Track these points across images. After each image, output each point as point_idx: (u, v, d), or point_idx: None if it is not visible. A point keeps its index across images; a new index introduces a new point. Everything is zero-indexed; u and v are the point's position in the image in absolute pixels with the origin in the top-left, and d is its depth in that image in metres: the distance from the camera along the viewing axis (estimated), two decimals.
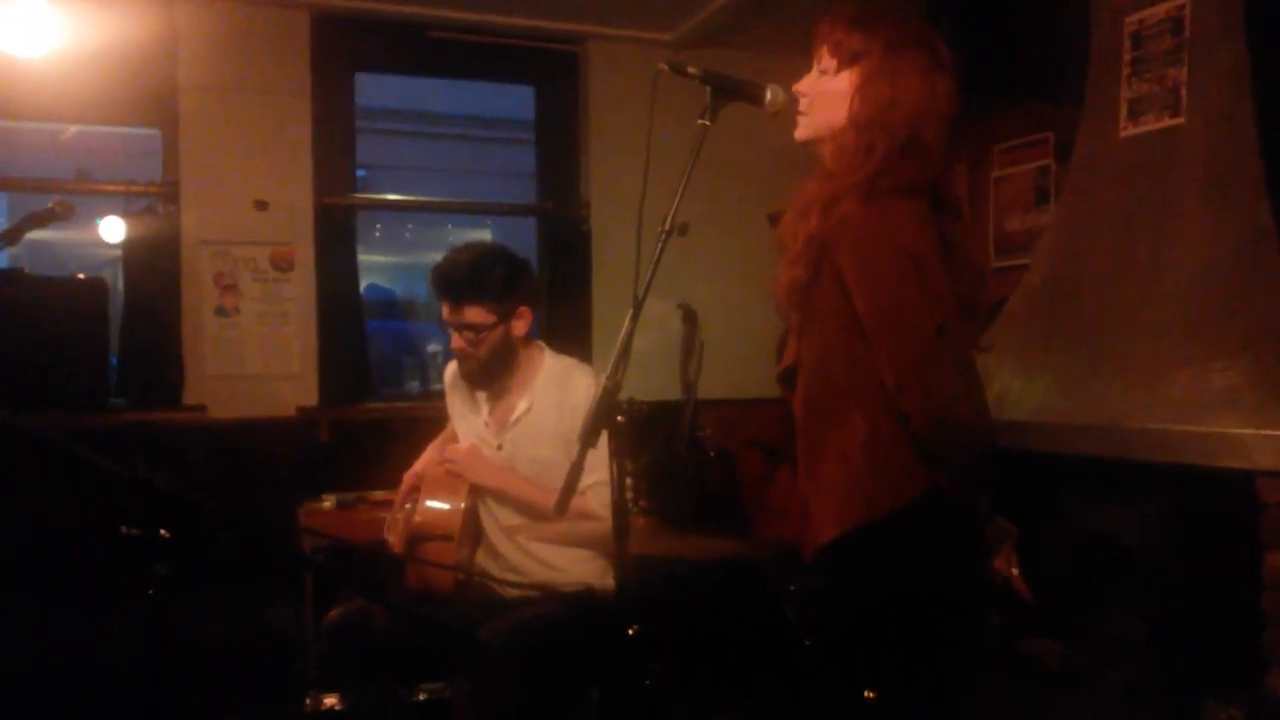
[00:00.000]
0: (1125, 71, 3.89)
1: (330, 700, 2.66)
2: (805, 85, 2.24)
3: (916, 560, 2.10)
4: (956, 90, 2.21)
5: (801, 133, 2.25)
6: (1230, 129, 3.45)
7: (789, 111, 2.23)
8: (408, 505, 3.13)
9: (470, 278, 2.99)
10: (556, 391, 3.06)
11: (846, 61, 2.18)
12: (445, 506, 3.06)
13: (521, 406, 3.08)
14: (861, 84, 2.15)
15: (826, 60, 2.21)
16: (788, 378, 2.27)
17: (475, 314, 2.98)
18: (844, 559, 2.14)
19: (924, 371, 2.06)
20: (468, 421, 3.22)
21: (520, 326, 3.07)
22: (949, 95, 2.19)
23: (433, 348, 6.96)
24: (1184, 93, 3.64)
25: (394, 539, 3.11)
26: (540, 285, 4.80)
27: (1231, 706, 2.96)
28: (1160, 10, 3.78)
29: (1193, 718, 3.05)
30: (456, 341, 3.04)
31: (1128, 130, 3.85)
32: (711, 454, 4.28)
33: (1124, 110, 3.88)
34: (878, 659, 2.12)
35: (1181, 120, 3.64)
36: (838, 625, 2.22)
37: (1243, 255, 3.30)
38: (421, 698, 2.66)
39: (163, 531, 1.83)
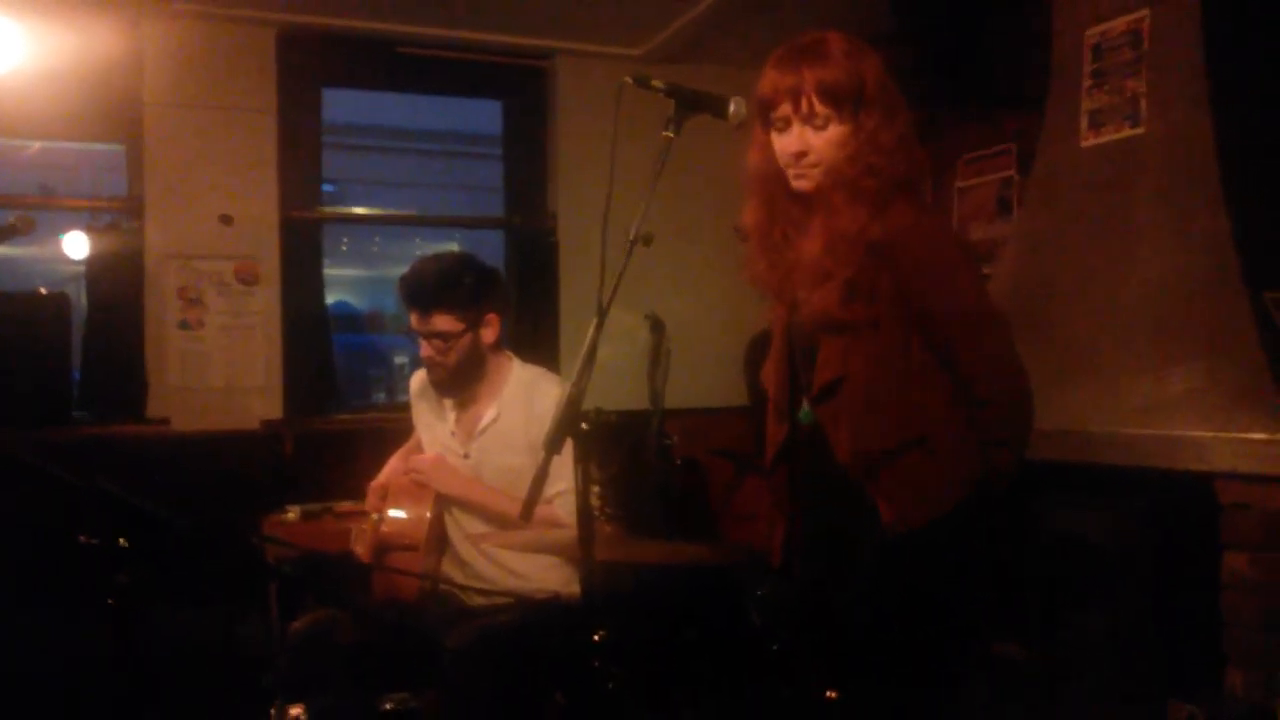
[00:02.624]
0: (1086, 83, 3.94)
1: (296, 710, 2.63)
2: (803, 143, 2.21)
3: (969, 556, 2.23)
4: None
5: (812, 184, 2.23)
6: (1189, 139, 3.49)
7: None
8: (374, 516, 3.12)
9: (439, 285, 2.99)
10: (524, 400, 3.05)
11: (845, 104, 2.19)
12: (410, 516, 3.06)
13: (489, 415, 3.07)
14: (867, 117, 2.19)
15: (819, 108, 2.18)
16: (827, 393, 2.24)
17: (444, 322, 2.97)
18: (916, 553, 2.18)
19: (1009, 357, 2.21)
20: (434, 431, 3.21)
21: (489, 334, 3.06)
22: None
23: (399, 360, 6.93)
24: (1143, 104, 3.69)
25: (360, 549, 3.10)
26: (508, 296, 4.79)
27: (1193, 705, 2.99)
28: (1120, 23, 3.83)
29: (1156, 717, 3.08)
30: (425, 350, 3.03)
31: (1089, 140, 3.90)
32: (678, 462, 4.30)
33: (1085, 121, 3.93)
34: (908, 654, 2.18)
35: (1141, 131, 3.69)
36: (890, 619, 2.23)
37: (1202, 262, 3.33)
38: (388, 707, 2.64)
39: (121, 541, 1.82)
